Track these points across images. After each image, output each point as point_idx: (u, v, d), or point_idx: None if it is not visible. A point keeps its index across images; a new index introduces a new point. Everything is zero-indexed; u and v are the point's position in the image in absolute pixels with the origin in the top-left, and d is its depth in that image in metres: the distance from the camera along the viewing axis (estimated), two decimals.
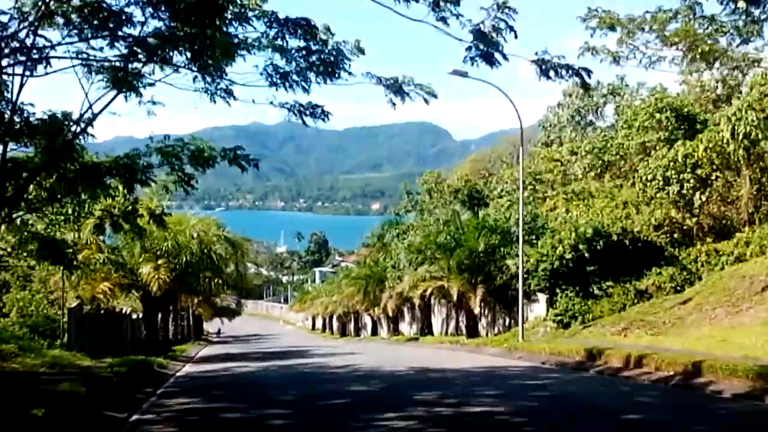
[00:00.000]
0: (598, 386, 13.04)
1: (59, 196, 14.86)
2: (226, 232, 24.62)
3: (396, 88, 13.27)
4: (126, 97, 14.39)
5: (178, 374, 17.85)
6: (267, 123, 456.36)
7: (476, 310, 26.34)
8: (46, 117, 13.34)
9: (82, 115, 13.38)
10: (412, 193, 39.08)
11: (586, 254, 24.91)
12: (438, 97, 12.94)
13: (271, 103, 12.75)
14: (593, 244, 25.08)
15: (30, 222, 21.98)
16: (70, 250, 17.57)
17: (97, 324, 21.72)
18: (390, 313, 38.84)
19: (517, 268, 26.07)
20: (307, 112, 12.68)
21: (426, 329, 35.39)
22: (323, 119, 12.74)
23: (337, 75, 12.46)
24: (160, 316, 27.94)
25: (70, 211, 20.28)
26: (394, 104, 12.80)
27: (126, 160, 14.44)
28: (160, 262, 22.17)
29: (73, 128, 13.60)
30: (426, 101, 12.81)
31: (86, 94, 13.39)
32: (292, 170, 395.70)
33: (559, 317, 24.90)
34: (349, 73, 12.31)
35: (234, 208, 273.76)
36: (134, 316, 29.56)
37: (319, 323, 71.33)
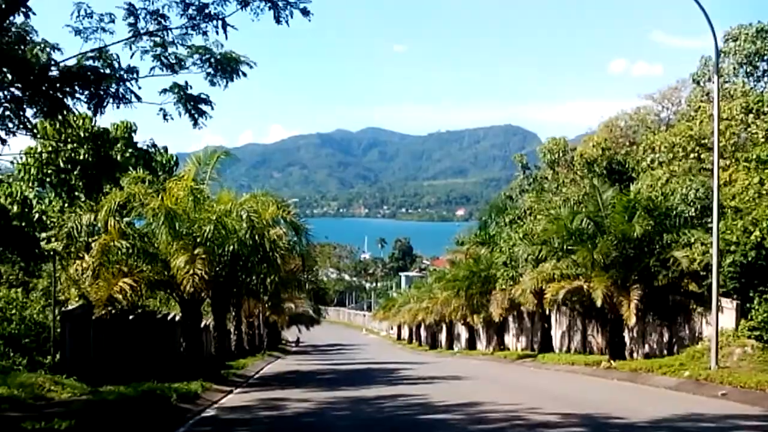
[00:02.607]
0: None
1: None
2: (289, 213, 18.55)
3: None
4: None
5: (204, 414, 11.80)
6: (351, 130, 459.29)
7: (631, 321, 18.95)
8: None
9: None
10: (529, 168, 31.44)
11: None
12: None
13: None
14: None
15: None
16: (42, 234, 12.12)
17: (115, 335, 16.19)
18: (495, 322, 31.71)
19: (691, 261, 18.56)
20: None
21: (543, 344, 28.07)
22: None
23: None
24: (212, 323, 22.35)
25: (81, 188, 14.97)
26: None
27: (93, 62, 8.51)
28: (197, 251, 16.37)
29: None
30: None
31: None
32: (376, 177, 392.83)
33: (757, 332, 17.26)
34: None
35: (318, 216, 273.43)
36: (202, 325, 24.18)
37: (405, 333, 65.11)
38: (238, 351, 30.06)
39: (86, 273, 15.99)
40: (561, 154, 25.92)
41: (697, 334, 20.10)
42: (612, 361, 19.78)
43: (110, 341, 15.95)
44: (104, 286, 15.81)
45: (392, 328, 71.55)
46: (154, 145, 10.56)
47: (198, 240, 17.11)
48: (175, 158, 21.44)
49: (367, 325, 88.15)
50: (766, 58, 25.46)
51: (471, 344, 40.46)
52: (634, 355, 22.88)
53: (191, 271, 15.80)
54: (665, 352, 21.43)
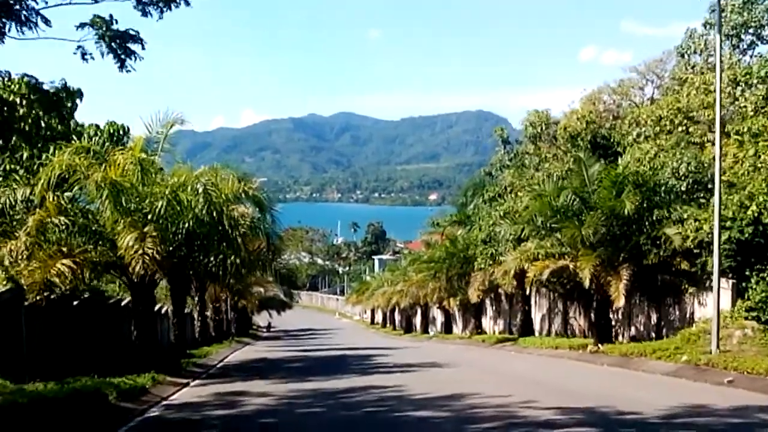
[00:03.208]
0: None
1: None
2: (251, 188, 16.87)
3: None
4: None
5: (147, 414, 10.21)
6: (323, 114, 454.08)
7: (620, 303, 17.77)
8: None
9: None
10: (510, 142, 29.95)
11: None
12: None
13: None
14: None
15: None
16: None
17: (54, 323, 14.41)
18: (472, 305, 30.46)
19: (684, 239, 17.43)
20: None
21: (524, 327, 26.93)
22: None
23: None
24: (170, 309, 20.61)
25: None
26: None
27: None
28: (147, 229, 14.63)
29: None
30: None
31: None
32: (348, 161, 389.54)
33: (754, 312, 16.25)
34: None
35: (291, 201, 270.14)
36: (163, 311, 22.36)
37: (378, 317, 63.87)
38: (203, 338, 28.32)
39: (19, 254, 14.10)
40: (543, 128, 24.54)
41: (688, 316, 19.06)
42: (599, 345, 18.64)
43: (49, 331, 14.17)
44: (39, 269, 13.98)
45: (366, 312, 70.29)
46: (65, 87, 8.75)
47: (149, 217, 15.34)
48: (126, 128, 19.53)
49: (340, 309, 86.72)
50: (751, 30, 24.35)
51: (447, 328, 39.30)
52: (620, 338, 21.83)
53: (141, 251, 14.04)
54: (653, 334, 20.40)
